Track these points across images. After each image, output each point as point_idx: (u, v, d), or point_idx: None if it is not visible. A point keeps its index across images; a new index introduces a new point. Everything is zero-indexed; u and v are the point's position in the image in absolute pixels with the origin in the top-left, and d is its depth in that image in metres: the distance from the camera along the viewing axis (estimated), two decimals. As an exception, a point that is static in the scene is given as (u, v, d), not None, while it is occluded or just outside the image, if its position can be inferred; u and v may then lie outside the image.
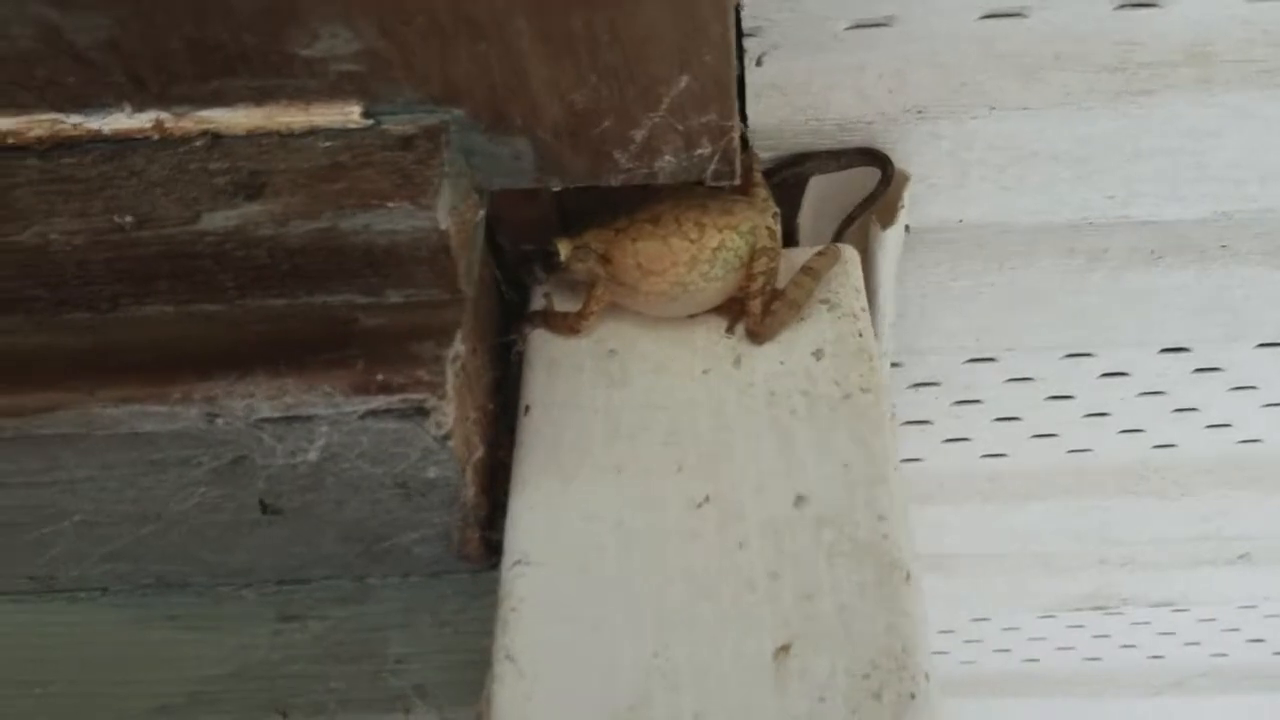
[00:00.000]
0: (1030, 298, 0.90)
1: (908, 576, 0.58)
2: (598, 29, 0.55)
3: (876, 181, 0.75)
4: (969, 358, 1.00)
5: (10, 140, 0.60)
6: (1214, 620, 1.52)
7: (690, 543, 0.60)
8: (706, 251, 0.67)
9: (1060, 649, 1.58)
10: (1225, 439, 1.13)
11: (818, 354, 0.68)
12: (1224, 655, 1.60)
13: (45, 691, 0.69)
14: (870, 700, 0.54)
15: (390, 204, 0.56)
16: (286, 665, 0.66)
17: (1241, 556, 1.32)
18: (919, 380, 1.03)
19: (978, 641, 1.56)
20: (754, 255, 0.68)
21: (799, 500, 0.61)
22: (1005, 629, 1.52)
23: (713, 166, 0.62)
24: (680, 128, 0.60)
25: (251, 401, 0.55)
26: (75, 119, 0.60)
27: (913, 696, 0.54)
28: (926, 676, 0.55)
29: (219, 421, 0.56)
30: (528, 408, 0.67)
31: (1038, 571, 1.33)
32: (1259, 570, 1.35)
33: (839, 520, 0.60)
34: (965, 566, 1.31)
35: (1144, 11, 0.69)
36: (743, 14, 0.68)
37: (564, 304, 0.72)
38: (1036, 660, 1.61)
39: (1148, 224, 0.82)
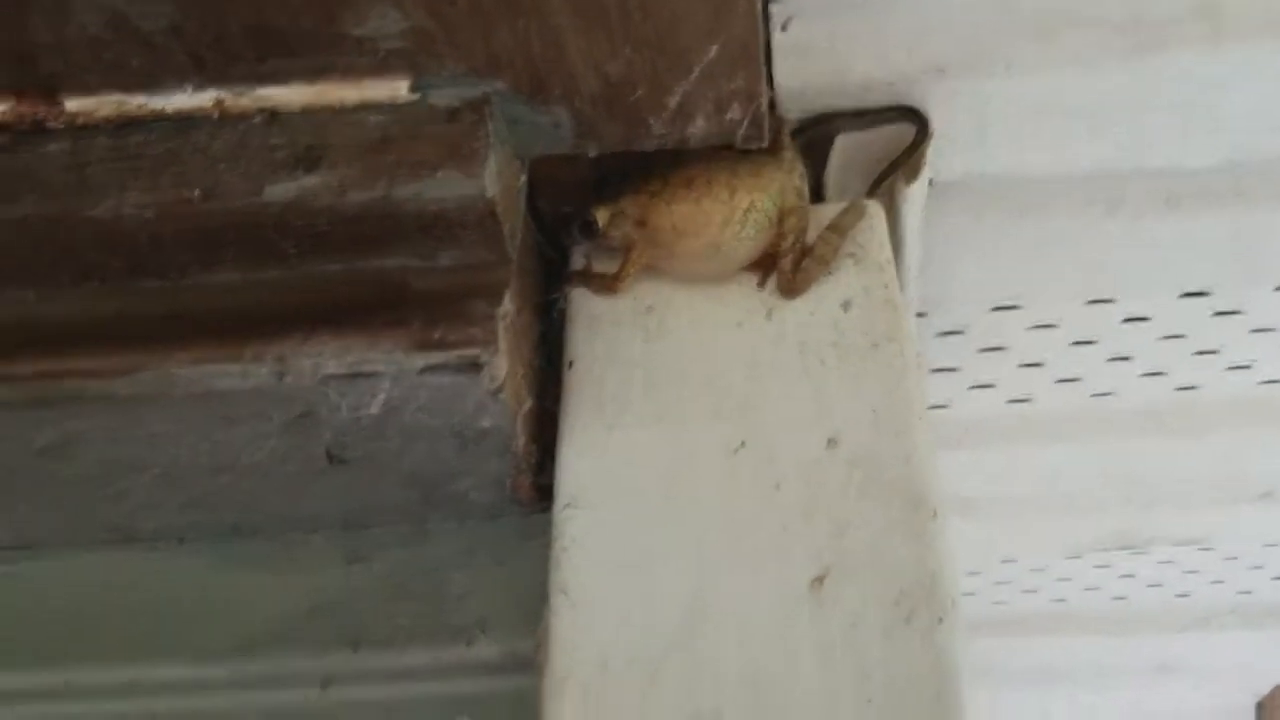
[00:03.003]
0: (1051, 246, 0.93)
1: (934, 513, 0.62)
2: (630, 4, 0.58)
3: (909, 136, 0.78)
4: (993, 306, 1.03)
5: (80, 120, 0.64)
6: (1238, 558, 1.54)
7: (728, 484, 0.64)
8: (738, 213, 0.70)
9: (1087, 589, 1.61)
10: (1247, 380, 1.15)
11: (845, 306, 0.71)
12: (1249, 593, 1.63)
13: (129, 634, 0.74)
14: (901, 625, 0.58)
15: (439, 173, 0.60)
16: (356, 603, 0.71)
17: (1265, 495, 1.35)
18: (945, 329, 1.06)
19: (1007, 583, 1.59)
20: (783, 215, 0.71)
21: (830, 443, 0.65)
22: (1033, 570, 1.56)
23: (743, 130, 0.66)
24: (711, 95, 0.63)
25: (319, 360, 0.60)
26: (140, 99, 0.64)
27: (941, 620, 0.58)
28: (953, 603, 0.58)
29: (288, 379, 0.60)
30: (571, 362, 0.71)
31: (1064, 513, 1.36)
32: (1282, 508, 1.38)
33: (868, 462, 0.64)
34: (992, 509, 1.34)
35: (1154, -32, 0.71)
36: (768, -19, 0.71)
37: (602, 263, 0.75)
38: (1064, 600, 1.64)
39: (1162, 172, 0.84)
